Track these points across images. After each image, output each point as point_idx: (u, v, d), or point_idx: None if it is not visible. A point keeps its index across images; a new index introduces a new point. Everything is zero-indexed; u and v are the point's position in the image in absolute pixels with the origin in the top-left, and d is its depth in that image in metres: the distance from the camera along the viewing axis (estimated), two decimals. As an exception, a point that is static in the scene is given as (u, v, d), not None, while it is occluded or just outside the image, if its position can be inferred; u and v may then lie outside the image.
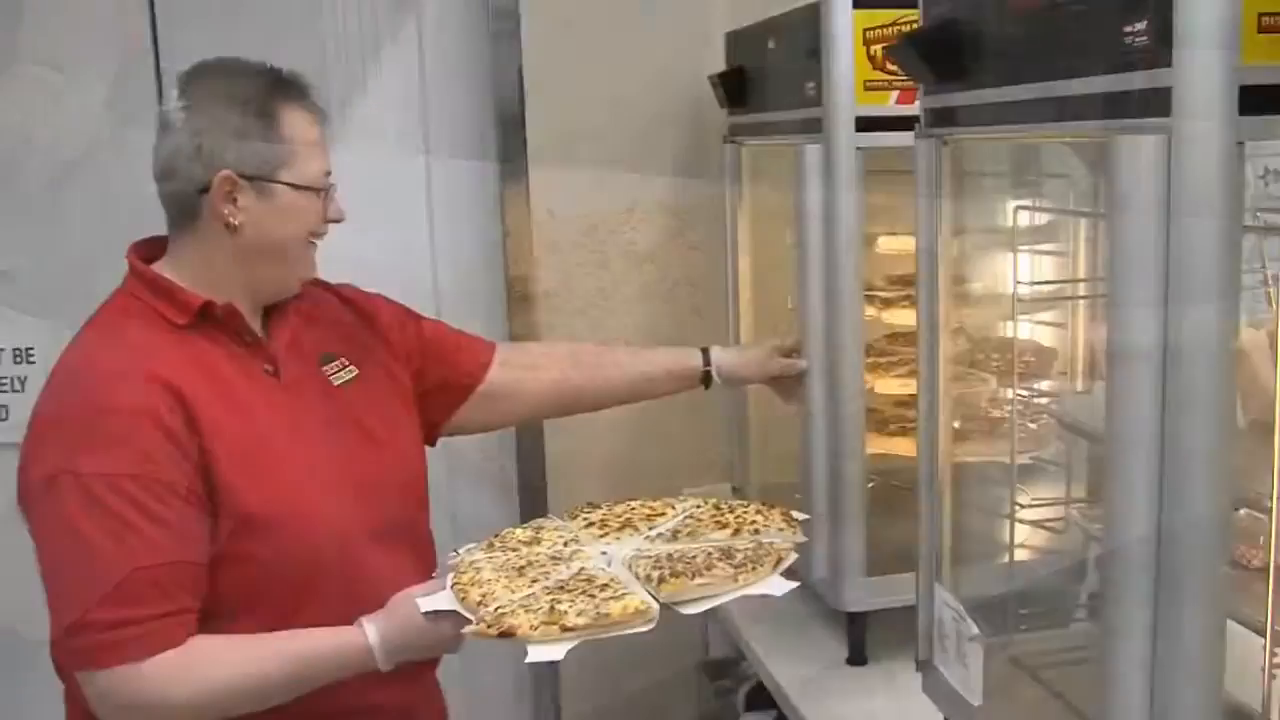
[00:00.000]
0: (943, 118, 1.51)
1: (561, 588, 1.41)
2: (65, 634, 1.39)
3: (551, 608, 1.35)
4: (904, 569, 1.65)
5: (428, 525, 1.74)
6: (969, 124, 1.47)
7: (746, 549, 1.47)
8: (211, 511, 1.45)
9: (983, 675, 1.42)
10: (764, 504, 1.63)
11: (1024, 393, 2.06)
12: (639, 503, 1.66)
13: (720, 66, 2.30)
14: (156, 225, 2.02)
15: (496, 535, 1.60)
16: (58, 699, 1.55)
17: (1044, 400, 2.02)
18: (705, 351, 1.99)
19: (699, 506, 1.64)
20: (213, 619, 1.46)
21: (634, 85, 2.54)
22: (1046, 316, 2.06)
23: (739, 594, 1.40)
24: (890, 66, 1.83)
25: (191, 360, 1.50)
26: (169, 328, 1.51)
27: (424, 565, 1.65)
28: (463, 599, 1.41)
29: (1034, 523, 1.71)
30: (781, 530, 1.55)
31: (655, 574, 1.41)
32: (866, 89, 1.83)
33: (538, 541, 1.57)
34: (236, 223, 1.51)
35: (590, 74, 2.51)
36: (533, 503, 2.59)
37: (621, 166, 2.53)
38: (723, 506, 1.63)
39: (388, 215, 2.47)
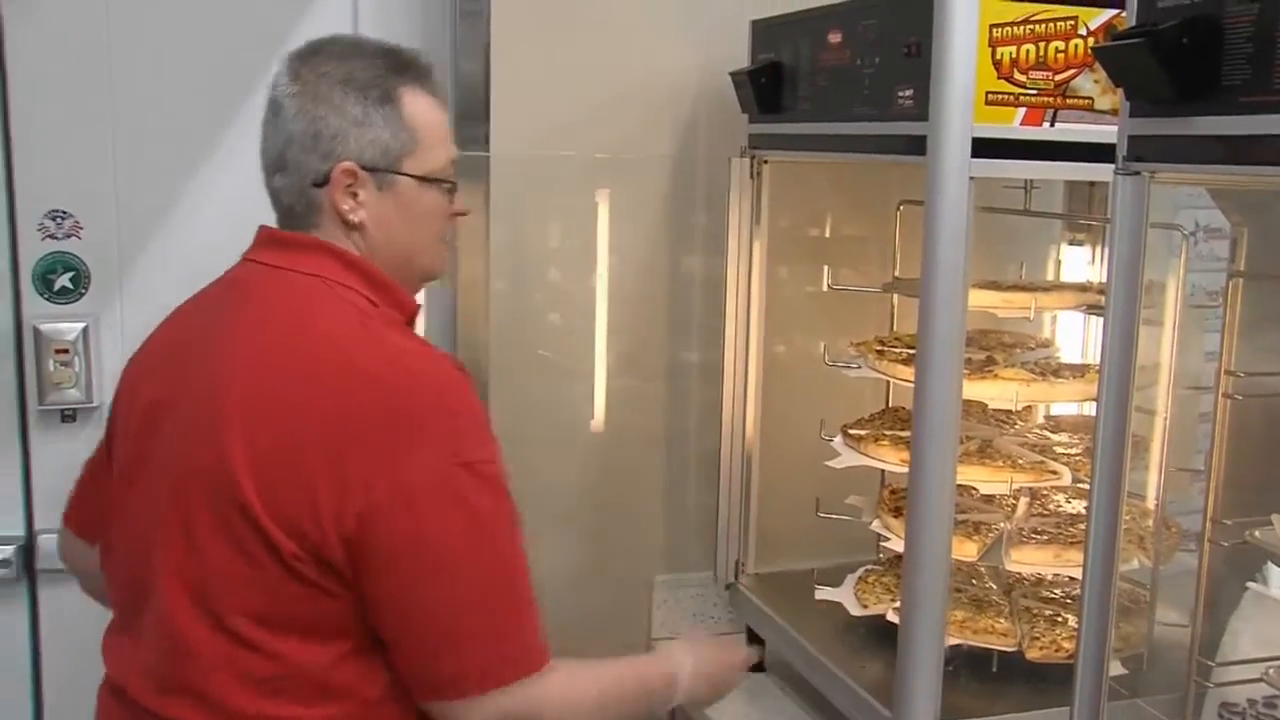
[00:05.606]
0: (1156, 148, 1.13)
1: None
2: (502, 641, 1.28)
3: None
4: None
5: None
6: (1199, 159, 1.09)
7: None
8: None
9: None
10: None
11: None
12: None
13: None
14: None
15: None
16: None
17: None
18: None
19: None
20: None
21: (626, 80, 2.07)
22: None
23: None
24: (1019, 77, 1.44)
25: None
26: (398, 325, 1.38)
27: None
28: None
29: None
30: None
31: None
32: (987, 103, 1.43)
33: None
34: (356, 220, 1.36)
35: (571, 64, 2.04)
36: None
37: (595, 179, 2.08)
38: None
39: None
